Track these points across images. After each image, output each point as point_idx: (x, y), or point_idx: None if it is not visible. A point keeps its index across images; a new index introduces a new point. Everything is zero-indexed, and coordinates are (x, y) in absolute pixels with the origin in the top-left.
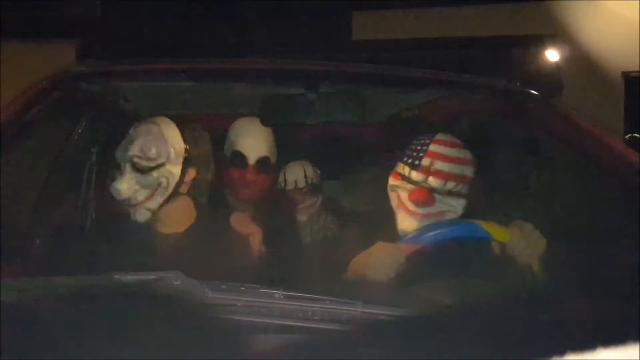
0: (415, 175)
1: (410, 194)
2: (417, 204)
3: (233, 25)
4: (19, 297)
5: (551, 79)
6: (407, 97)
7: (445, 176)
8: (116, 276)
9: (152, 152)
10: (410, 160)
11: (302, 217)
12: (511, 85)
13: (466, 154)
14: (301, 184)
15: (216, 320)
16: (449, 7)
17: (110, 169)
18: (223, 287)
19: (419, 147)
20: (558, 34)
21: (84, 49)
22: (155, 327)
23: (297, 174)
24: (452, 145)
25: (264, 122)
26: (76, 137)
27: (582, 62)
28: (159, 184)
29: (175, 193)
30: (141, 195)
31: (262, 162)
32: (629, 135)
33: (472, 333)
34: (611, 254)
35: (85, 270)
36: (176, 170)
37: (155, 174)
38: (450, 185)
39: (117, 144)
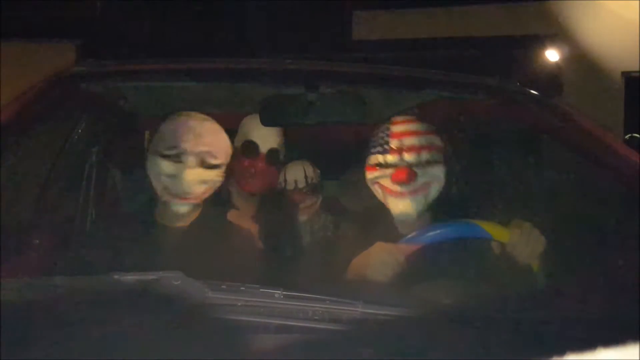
0: (390, 158)
1: (393, 176)
2: (402, 182)
3: (233, 25)
4: (19, 297)
5: (551, 79)
6: (407, 97)
7: (417, 148)
8: (116, 276)
9: (221, 152)
10: (379, 148)
11: (302, 217)
12: (511, 85)
13: (426, 126)
14: (301, 184)
15: (216, 320)
16: (449, 7)
17: (111, 168)
18: (223, 287)
19: (381, 134)
20: (558, 34)
21: (84, 49)
22: (155, 327)
23: (297, 174)
24: (409, 121)
25: (264, 122)
26: (76, 137)
27: (582, 62)
28: (215, 183)
29: None
30: (201, 189)
31: (273, 153)
32: (629, 135)
33: (472, 333)
34: (611, 254)
35: (85, 270)
36: (224, 171)
37: (217, 172)
38: (425, 155)
39: (117, 142)
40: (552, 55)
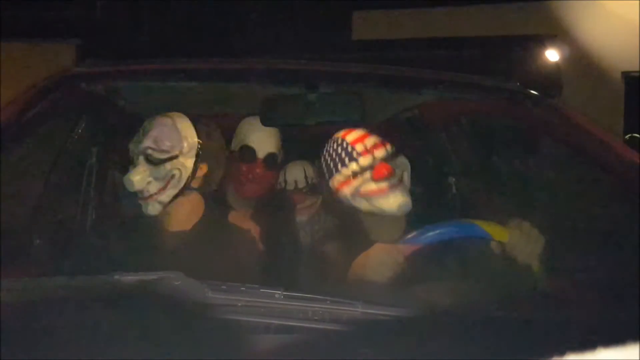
0: (363, 160)
1: (375, 175)
2: (386, 177)
3: (233, 25)
4: (19, 297)
5: (551, 79)
6: (407, 97)
7: (380, 144)
8: (116, 276)
9: (166, 144)
10: (346, 159)
11: (302, 217)
12: (511, 85)
13: (363, 128)
14: (301, 184)
15: (216, 321)
16: (449, 7)
17: (111, 168)
18: (223, 287)
19: (339, 148)
20: (558, 34)
21: (84, 49)
22: (155, 327)
23: (297, 174)
24: (353, 130)
25: (264, 122)
26: (76, 137)
27: (582, 62)
28: (172, 176)
29: (187, 187)
30: (154, 187)
31: (270, 158)
32: (629, 135)
33: (472, 333)
34: (611, 253)
35: (85, 270)
36: (189, 163)
37: (168, 166)
38: (389, 148)
39: (118, 143)
40: (552, 55)
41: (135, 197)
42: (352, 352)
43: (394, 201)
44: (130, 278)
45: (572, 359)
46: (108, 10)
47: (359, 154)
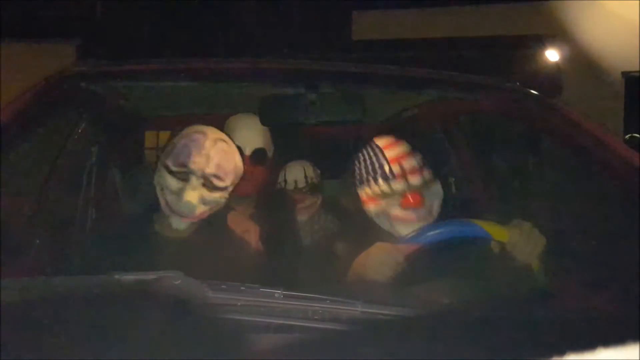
0: (396, 185)
1: (403, 203)
2: (415, 207)
3: (233, 25)
4: (19, 297)
5: (551, 79)
6: (407, 97)
7: (418, 170)
8: (116, 276)
9: (227, 174)
10: (379, 177)
11: (302, 217)
12: (511, 85)
13: (409, 146)
14: (301, 184)
15: (216, 320)
16: (449, 7)
17: (111, 168)
18: (223, 286)
19: (375, 160)
20: (558, 34)
21: (84, 49)
22: (155, 327)
23: (297, 174)
24: (397, 143)
25: (264, 122)
26: (76, 137)
27: (582, 62)
28: (218, 204)
29: None
30: (200, 210)
31: (258, 153)
32: (629, 135)
33: (472, 333)
34: (611, 253)
35: (85, 270)
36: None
37: (221, 194)
38: (427, 175)
39: (118, 143)
40: (552, 55)
41: (139, 200)
42: (352, 352)
43: (410, 229)
44: (130, 278)
45: (572, 359)
46: (108, 10)
47: (394, 176)
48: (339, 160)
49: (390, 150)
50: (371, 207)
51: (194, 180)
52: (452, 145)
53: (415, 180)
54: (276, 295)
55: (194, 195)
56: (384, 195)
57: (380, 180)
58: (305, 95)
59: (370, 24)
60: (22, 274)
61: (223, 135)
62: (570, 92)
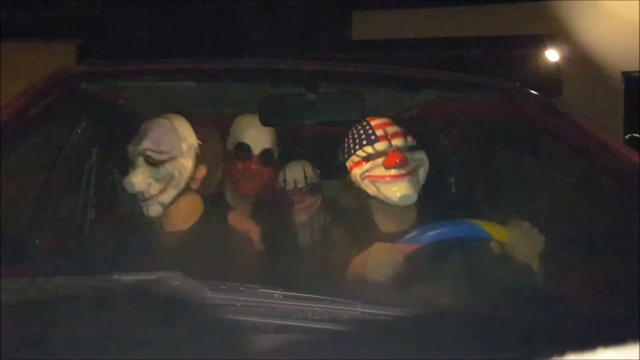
0: (379, 145)
1: (386, 162)
2: (397, 166)
3: (233, 25)
4: (19, 297)
5: (551, 79)
6: (407, 97)
7: (402, 135)
8: (116, 276)
9: (165, 145)
10: (364, 142)
11: (301, 217)
12: (511, 85)
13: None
14: (301, 184)
15: (215, 320)
16: (449, 7)
17: (111, 168)
18: (222, 287)
19: (362, 130)
20: (558, 34)
21: (84, 49)
22: (155, 327)
23: (297, 174)
24: (381, 117)
25: (264, 122)
26: (76, 137)
27: (582, 62)
28: (172, 177)
29: (187, 189)
30: (154, 188)
31: (266, 154)
32: (629, 135)
33: (472, 333)
34: (611, 253)
35: (85, 270)
36: (188, 163)
37: (168, 166)
38: (410, 140)
39: (118, 143)
40: (552, 55)
41: (136, 198)
42: (352, 352)
43: (397, 190)
44: (129, 278)
45: (572, 359)
46: (108, 10)
47: (377, 139)
48: (338, 160)
49: (375, 120)
50: (356, 172)
51: (135, 161)
52: (452, 145)
53: (398, 142)
54: (275, 295)
55: (137, 174)
56: (367, 157)
57: (364, 144)
58: (304, 95)
59: (370, 24)
60: (22, 274)
61: (170, 116)
62: (570, 92)
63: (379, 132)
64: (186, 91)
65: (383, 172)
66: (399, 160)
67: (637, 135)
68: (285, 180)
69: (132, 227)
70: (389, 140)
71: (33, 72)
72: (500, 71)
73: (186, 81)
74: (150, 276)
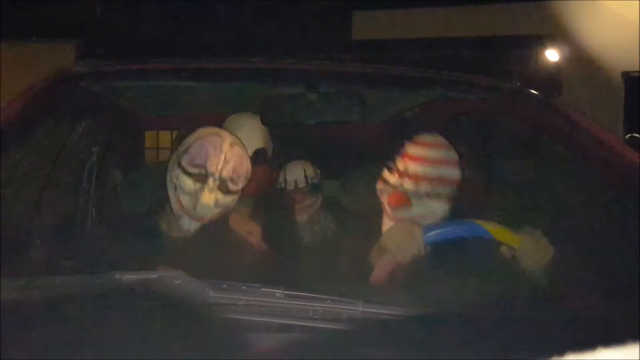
0: (392, 179)
1: (389, 198)
2: (394, 207)
3: (233, 25)
4: (19, 297)
5: (551, 79)
6: (407, 97)
7: (419, 178)
8: (116, 276)
9: (242, 178)
10: (390, 164)
11: (302, 217)
12: (511, 85)
13: (448, 155)
14: (301, 184)
15: (217, 320)
16: (449, 7)
17: (112, 168)
18: (224, 286)
19: (398, 149)
20: (558, 34)
21: (84, 49)
22: (155, 327)
23: (297, 174)
24: (430, 146)
25: (265, 122)
26: (76, 137)
27: (582, 62)
28: (228, 207)
29: None
30: (215, 212)
31: (259, 154)
32: (629, 135)
33: (472, 333)
34: (611, 253)
35: (85, 270)
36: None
37: (234, 197)
38: (425, 187)
39: (118, 143)
40: (552, 55)
41: (137, 199)
42: (352, 352)
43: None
44: (130, 277)
45: (572, 359)
46: (108, 10)
47: (395, 170)
48: (338, 160)
49: (415, 147)
50: (378, 184)
51: (211, 183)
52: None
53: (409, 185)
54: (277, 295)
55: (210, 197)
56: (385, 181)
57: (387, 166)
58: (305, 95)
59: (370, 24)
60: (22, 274)
61: (237, 139)
62: (570, 92)
63: (400, 165)
64: (186, 91)
65: (386, 204)
66: (397, 203)
67: (637, 135)
68: (285, 180)
69: (132, 227)
70: (403, 179)
71: (33, 72)
72: (500, 71)
73: (186, 81)
74: (152, 275)
